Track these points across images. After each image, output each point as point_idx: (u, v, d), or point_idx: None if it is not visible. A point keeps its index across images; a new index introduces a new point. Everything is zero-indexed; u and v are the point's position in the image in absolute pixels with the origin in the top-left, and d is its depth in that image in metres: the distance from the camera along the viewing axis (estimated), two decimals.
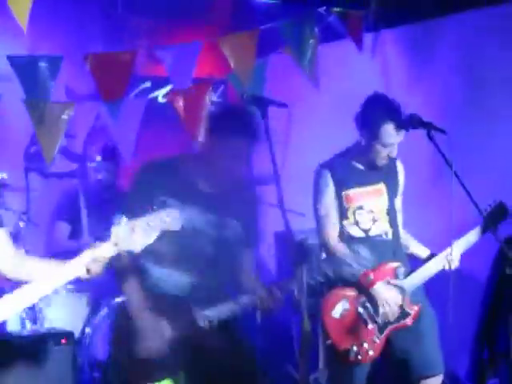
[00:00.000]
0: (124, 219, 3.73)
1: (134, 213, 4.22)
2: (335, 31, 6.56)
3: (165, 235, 4.06)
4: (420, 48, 6.74)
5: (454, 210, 4.45)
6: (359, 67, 6.81)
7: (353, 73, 6.86)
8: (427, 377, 5.02)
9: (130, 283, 4.33)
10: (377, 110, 4.90)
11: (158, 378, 4.55)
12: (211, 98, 7.48)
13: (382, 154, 4.92)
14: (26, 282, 3.58)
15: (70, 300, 6.46)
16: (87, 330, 5.87)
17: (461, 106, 6.25)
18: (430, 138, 4.57)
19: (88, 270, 3.72)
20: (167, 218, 3.78)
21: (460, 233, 4.97)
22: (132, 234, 3.74)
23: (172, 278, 4.41)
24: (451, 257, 4.93)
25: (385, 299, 4.88)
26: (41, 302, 5.87)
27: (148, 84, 7.29)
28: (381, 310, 4.89)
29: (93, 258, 3.72)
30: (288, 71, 6.59)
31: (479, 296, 5.84)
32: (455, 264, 4.96)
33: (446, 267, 4.96)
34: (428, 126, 4.60)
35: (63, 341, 5.48)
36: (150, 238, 3.76)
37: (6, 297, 3.61)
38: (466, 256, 5.01)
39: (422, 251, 5.17)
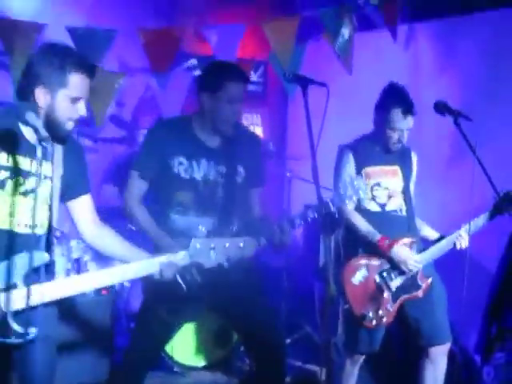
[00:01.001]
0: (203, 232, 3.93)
1: (145, 170, 4.35)
2: (371, 21, 6.53)
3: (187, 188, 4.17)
4: (447, 42, 6.69)
5: (471, 194, 4.44)
6: (391, 57, 6.78)
7: (385, 62, 6.83)
8: (436, 344, 5.05)
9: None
10: (386, 98, 4.96)
11: (187, 318, 4.78)
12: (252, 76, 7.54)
13: (393, 139, 4.96)
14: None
15: None
16: (126, 283, 5.87)
17: (482, 96, 6.20)
18: (457, 124, 4.58)
19: (161, 271, 3.76)
20: (241, 244, 3.80)
21: (477, 214, 4.97)
22: (209, 252, 3.76)
23: (195, 226, 4.41)
24: (461, 238, 4.97)
25: (404, 258, 4.90)
26: (85, 256, 5.92)
27: (194, 61, 7.26)
28: (398, 278, 4.93)
29: (169, 262, 3.76)
30: (324, 56, 6.56)
31: (491, 275, 5.82)
32: (465, 244, 4.97)
33: (457, 247, 4.98)
34: (455, 113, 4.61)
35: (104, 292, 5.53)
36: (223, 260, 3.78)
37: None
38: (480, 237, 5.01)
39: (432, 234, 5.18)
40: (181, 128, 4.54)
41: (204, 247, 3.76)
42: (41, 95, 3.53)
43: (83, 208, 3.86)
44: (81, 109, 3.60)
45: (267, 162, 6.94)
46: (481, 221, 4.99)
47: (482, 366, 5.61)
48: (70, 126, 3.61)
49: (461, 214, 5.06)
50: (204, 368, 5.85)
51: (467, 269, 4.69)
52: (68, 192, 3.76)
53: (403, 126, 4.91)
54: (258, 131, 7.87)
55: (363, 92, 5.57)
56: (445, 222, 5.26)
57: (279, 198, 7.13)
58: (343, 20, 6.38)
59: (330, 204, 4.25)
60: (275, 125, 8.06)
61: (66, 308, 5.20)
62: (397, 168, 5.09)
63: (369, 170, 5.02)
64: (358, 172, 5.00)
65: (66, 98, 3.54)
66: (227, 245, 3.78)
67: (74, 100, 3.56)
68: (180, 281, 4.03)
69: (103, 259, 6.37)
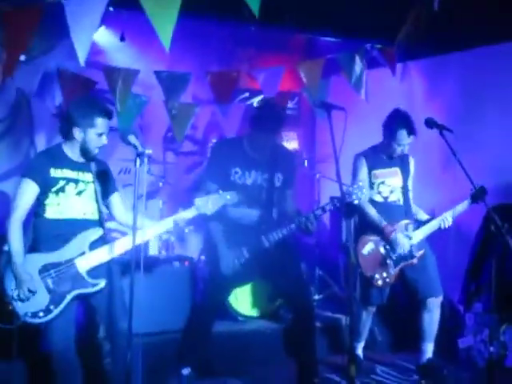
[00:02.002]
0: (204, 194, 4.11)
1: (213, 176, 4.49)
2: (376, 61, 6.49)
3: (240, 190, 4.30)
4: (433, 75, 6.63)
5: (454, 187, 4.43)
6: (391, 87, 6.73)
7: (387, 91, 6.79)
8: (431, 297, 5.03)
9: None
10: (395, 120, 4.96)
11: (241, 281, 4.97)
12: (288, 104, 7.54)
13: (397, 151, 4.99)
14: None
15: (191, 236, 6.59)
16: (202, 257, 5.91)
17: (460, 115, 6.14)
18: (442, 135, 4.54)
19: (176, 225, 4.01)
20: (228, 196, 4.10)
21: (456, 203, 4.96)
22: (207, 204, 4.01)
23: (245, 216, 4.54)
24: (446, 220, 4.97)
25: (401, 243, 4.92)
26: (172, 237, 5.97)
27: (247, 94, 7.27)
28: (397, 250, 4.92)
29: (180, 219, 4.02)
30: (343, 88, 6.54)
31: (469, 246, 5.78)
32: (448, 224, 4.97)
33: (442, 226, 4.98)
34: (441, 127, 4.57)
35: (186, 263, 5.56)
36: (217, 207, 4.07)
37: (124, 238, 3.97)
38: (463, 217, 4.98)
39: (425, 217, 5.16)
40: (236, 146, 4.60)
41: (203, 202, 4.02)
42: (77, 133, 3.90)
43: (115, 201, 4.18)
44: (104, 140, 3.96)
45: (302, 167, 7.00)
46: (460, 207, 5.00)
47: (464, 314, 5.57)
48: (96, 151, 3.98)
49: (446, 203, 5.04)
50: (260, 317, 5.86)
51: (452, 242, 4.70)
52: (105, 190, 4.09)
53: (406, 142, 4.95)
54: (295, 144, 7.85)
55: (372, 114, 5.54)
56: (434, 208, 5.23)
57: (311, 193, 7.11)
58: (356, 61, 6.35)
59: (352, 196, 4.28)
60: (307, 139, 8.05)
61: (159, 274, 5.35)
62: (397, 169, 5.10)
63: (376, 172, 5.06)
64: (369, 173, 5.04)
65: (94, 134, 3.90)
66: (218, 197, 4.06)
67: (100, 135, 3.92)
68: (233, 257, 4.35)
69: (183, 239, 6.47)
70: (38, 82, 6.03)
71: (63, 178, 3.92)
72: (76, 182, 3.96)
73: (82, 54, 4.44)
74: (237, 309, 5.74)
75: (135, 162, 3.56)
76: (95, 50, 6.35)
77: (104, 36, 6.30)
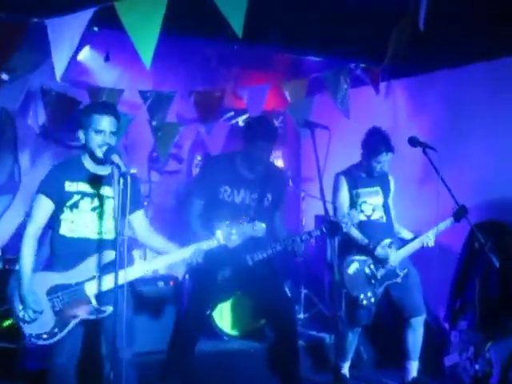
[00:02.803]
0: (226, 224, 3.88)
1: (200, 193, 4.43)
2: (360, 80, 6.53)
3: (228, 208, 4.23)
4: (417, 94, 6.68)
5: (437, 205, 4.45)
6: (375, 106, 6.78)
7: (371, 109, 6.83)
8: (415, 316, 5.03)
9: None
10: (372, 139, 4.96)
11: (223, 297, 4.97)
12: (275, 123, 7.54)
13: (376, 168, 4.99)
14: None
15: None
16: (186, 276, 5.88)
17: (444, 133, 6.18)
18: (425, 153, 4.58)
19: (190, 257, 3.82)
20: (255, 228, 3.92)
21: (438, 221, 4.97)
22: (230, 237, 3.86)
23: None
24: (428, 238, 4.96)
25: (385, 256, 4.91)
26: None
27: (232, 113, 7.28)
28: (385, 265, 4.92)
29: (197, 250, 3.82)
30: (327, 107, 6.57)
31: (455, 263, 5.80)
32: (431, 243, 4.97)
33: (424, 245, 4.98)
34: (424, 145, 4.61)
35: (171, 283, 5.53)
36: (240, 240, 3.88)
37: (138, 262, 3.81)
38: (446, 235, 5.00)
39: (408, 235, 5.17)
40: (227, 163, 4.58)
41: (226, 233, 3.85)
42: (81, 135, 3.73)
43: (138, 219, 3.95)
44: (104, 138, 3.67)
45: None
46: (442, 226, 4.98)
47: (449, 331, 5.57)
48: (99, 152, 3.67)
49: (428, 221, 5.06)
50: (245, 336, 5.84)
51: (436, 259, 4.71)
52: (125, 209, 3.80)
53: (385, 159, 4.94)
54: (280, 162, 7.88)
55: (356, 132, 5.57)
56: (416, 226, 5.24)
57: (296, 211, 7.12)
58: (340, 80, 6.37)
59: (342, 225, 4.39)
60: (292, 157, 8.07)
61: (145, 294, 5.30)
62: (378, 189, 5.11)
63: (358, 191, 5.04)
64: (350, 192, 5.04)
65: (93, 132, 3.68)
66: (245, 230, 3.89)
67: (98, 132, 3.67)
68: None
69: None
70: (21, 100, 6.03)
71: (78, 193, 3.72)
72: (92, 196, 3.74)
73: (59, 71, 4.39)
74: (222, 328, 5.73)
75: (118, 181, 3.44)
76: (80, 70, 6.39)
77: (89, 56, 6.32)
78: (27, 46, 4.83)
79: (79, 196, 3.72)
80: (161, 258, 3.82)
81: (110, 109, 3.77)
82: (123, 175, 3.43)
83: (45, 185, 3.74)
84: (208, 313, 4.88)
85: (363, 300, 4.92)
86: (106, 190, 3.77)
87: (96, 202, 3.75)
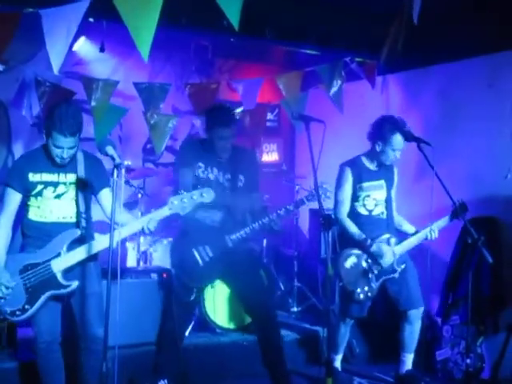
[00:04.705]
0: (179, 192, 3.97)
1: (179, 172, 4.60)
2: (356, 74, 6.52)
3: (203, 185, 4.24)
4: (411, 88, 6.69)
5: (431, 201, 4.45)
6: (371, 100, 6.78)
7: (366, 103, 6.83)
8: (412, 309, 5.02)
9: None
10: (389, 125, 4.86)
11: (204, 281, 4.91)
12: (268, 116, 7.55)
13: (391, 157, 4.92)
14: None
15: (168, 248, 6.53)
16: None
17: (439, 128, 6.19)
18: (420, 148, 4.57)
19: (148, 223, 3.92)
20: (205, 195, 3.97)
21: (436, 217, 4.96)
22: (182, 204, 3.93)
23: (209, 216, 4.62)
24: (433, 231, 4.93)
25: (380, 254, 4.89)
26: (151, 248, 5.94)
27: None
28: (380, 262, 4.89)
29: (151, 218, 3.93)
30: (322, 100, 6.57)
31: (447, 260, 5.82)
32: (435, 236, 4.96)
33: (428, 238, 4.96)
34: (418, 140, 4.60)
35: (164, 275, 5.47)
36: (192, 207, 3.97)
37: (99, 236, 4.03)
38: (439, 230, 4.99)
39: (410, 229, 5.15)
40: (200, 144, 4.76)
41: (178, 201, 3.92)
42: (49, 141, 3.86)
43: (106, 196, 4.11)
44: (60, 153, 3.86)
45: (281, 179, 7.01)
46: (442, 222, 4.99)
47: (442, 326, 5.59)
48: (58, 160, 3.89)
49: (423, 216, 5.07)
50: (238, 330, 5.84)
51: (430, 254, 4.71)
52: (93, 188, 4.05)
53: (401, 146, 4.88)
54: (275, 156, 7.87)
55: (350, 126, 5.59)
56: (410, 221, 5.24)
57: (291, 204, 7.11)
58: (335, 73, 6.36)
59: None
60: (287, 151, 8.06)
61: (137, 285, 5.31)
62: (382, 182, 5.05)
63: (363, 185, 4.99)
64: (355, 185, 5.00)
65: (52, 145, 3.86)
66: (194, 197, 3.93)
67: (57, 147, 3.85)
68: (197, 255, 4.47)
69: (164, 251, 6.41)
70: (15, 91, 6.00)
71: (41, 183, 3.95)
72: (55, 185, 3.97)
73: (56, 63, 4.40)
74: (215, 321, 5.72)
75: (112, 173, 3.55)
76: (75, 61, 6.36)
77: (84, 46, 6.29)
78: (21, 36, 4.79)
79: (42, 186, 3.96)
80: (120, 230, 3.89)
81: (70, 130, 3.83)
82: (117, 166, 3.57)
83: (10, 178, 4.00)
84: (190, 300, 4.87)
85: (360, 294, 4.90)
86: (68, 177, 4.01)
87: (59, 190, 3.99)
